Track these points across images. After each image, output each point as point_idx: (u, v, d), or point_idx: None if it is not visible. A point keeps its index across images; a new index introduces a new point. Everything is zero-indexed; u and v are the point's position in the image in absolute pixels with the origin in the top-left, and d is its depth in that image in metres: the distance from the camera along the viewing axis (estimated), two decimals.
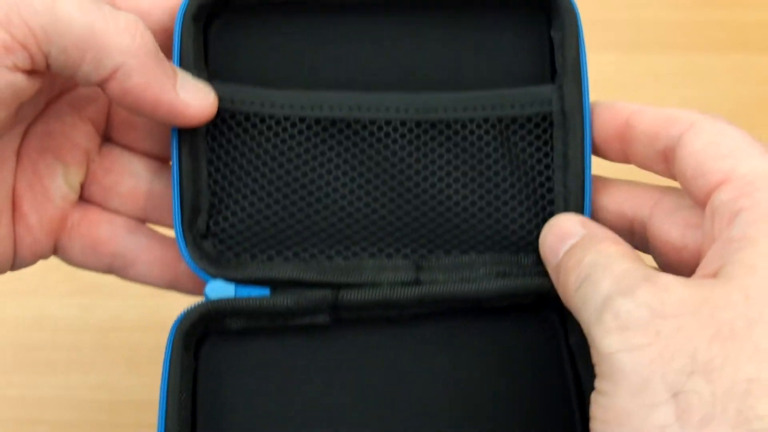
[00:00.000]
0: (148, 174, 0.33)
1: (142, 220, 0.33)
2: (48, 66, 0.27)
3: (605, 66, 0.57)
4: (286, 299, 0.29)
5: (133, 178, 0.33)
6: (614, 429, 0.23)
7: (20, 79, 0.27)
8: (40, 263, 0.51)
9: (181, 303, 0.51)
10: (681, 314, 0.23)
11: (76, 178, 0.32)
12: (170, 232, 0.32)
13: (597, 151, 0.32)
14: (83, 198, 0.33)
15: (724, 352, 0.22)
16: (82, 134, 0.32)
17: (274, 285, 0.30)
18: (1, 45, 0.26)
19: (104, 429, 0.48)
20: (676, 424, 0.22)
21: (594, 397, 0.24)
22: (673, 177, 0.29)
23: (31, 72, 0.27)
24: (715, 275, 0.25)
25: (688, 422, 0.22)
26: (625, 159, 0.31)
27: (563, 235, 0.29)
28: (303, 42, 0.31)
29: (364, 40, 0.31)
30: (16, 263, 0.32)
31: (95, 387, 0.49)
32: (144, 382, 0.49)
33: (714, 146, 0.27)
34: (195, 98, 0.29)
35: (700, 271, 0.26)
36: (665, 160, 0.29)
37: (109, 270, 0.33)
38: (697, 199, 0.28)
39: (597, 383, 0.24)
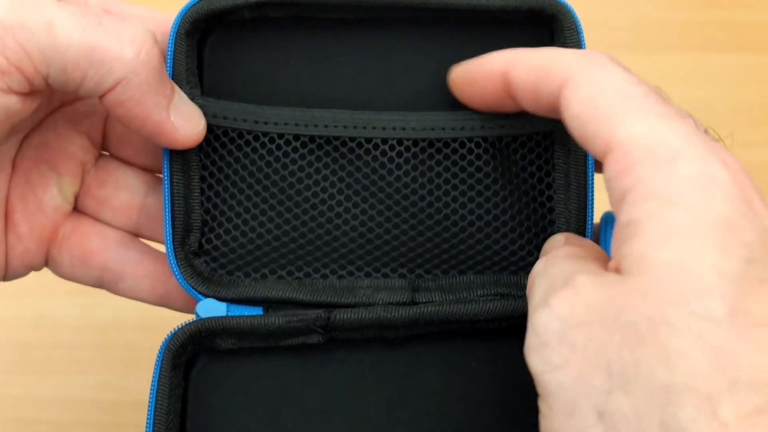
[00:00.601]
0: (144, 188, 0.33)
1: (136, 235, 0.33)
2: (48, 84, 0.27)
3: None
4: (278, 319, 0.29)
5: (128, 191, 0.33)
6: None
7: (14, 101, 0.27)
8: None
9: None
10: (590, 321, 0.22)
11: (70, 189, 0.32)
12: (164, 248, 0.32)
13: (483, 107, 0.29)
14: (77, 209, 0.33)
15: (635, 359, 0.21)
16: (77, 146, 0.32)
17: (267, 304, 0.30)
18: None
19: (104, 429, 0.48)
20: None
21: (539, 418, 0.23)
22: None
23: (28, 94, 0.27)
24: (618, 269, 0.23)
25: None
26: (519, 109, 0.28)
27: (544, 255, 0.28)
28: (298, 58, 0.30)
29: (361, 55, 0.30)
30: (8, 274, 0.31)
31: (95, 387, 0.49)
32: (144, 381, 0.49)
33: (591, 106, 0.24)
34: (185, 123, 0.29)
35: (611, 262, 0.25)
36: (555, 112, 0.26)
37: (98, 283, 0.33)
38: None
39: (538, 403, 0.23)
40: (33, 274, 0.51)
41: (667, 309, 0.21)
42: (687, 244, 0.22)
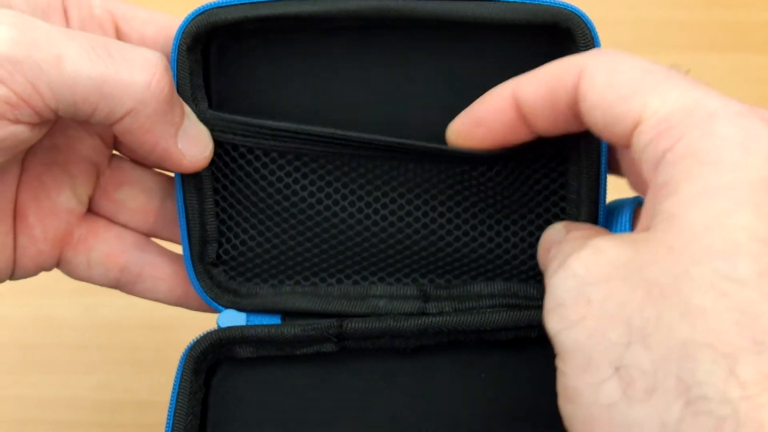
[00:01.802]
0: (161, 191, 0.33)
1: (152, 236, 0.33)
2: (57, 116, 0.27)
3: None
4: (294, 328, 0.30)
5: (145, 194, 0.33)
6: (570, 407, 0.23)
7: (22, 130, 0.26)
8: None
9: None
10: (610, 277, 0.22)
11: (84, 191, 0.32)
12: (180, 249, 0.32)
13: (493, 143, 0.28)
14: (92, 211, 0.33)
15: (657, 313, 0.21)
16: (88, 147, 0.32)
17: (283, 314, 0.31)
18: (3, 101, 0.25)
19: (106, 429, 0.48)
20: (623, 399, 0.21)
21: (556, 374, 0.24)
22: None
23: (37, 124, 0.27)
24: (647, 229, 0.23)
25: (633, 396, 0.21)
26: (533, 134, 0.28)
27: (547, 245, 0.28)
28: (302, 65, 0.30)
29: (366, 59, 0.30)
30: (16, 273, 0.31)
31: (98, 387, 0.49)
32: (147, 382, 0.49)
33: (613, 88, 0.24)
34: (192, 149, 0.29)
35: (638, 225, 0.25)
36: (575, 116, 0.26)
37: (115, 285, 0.33)
38: (620, 146, 0.26)
39: (556, 362, 0.24)
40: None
41: (692, 266, 0.21)
42: (720, 203, 0.22)
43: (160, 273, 0.33)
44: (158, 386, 0.49)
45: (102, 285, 0.33)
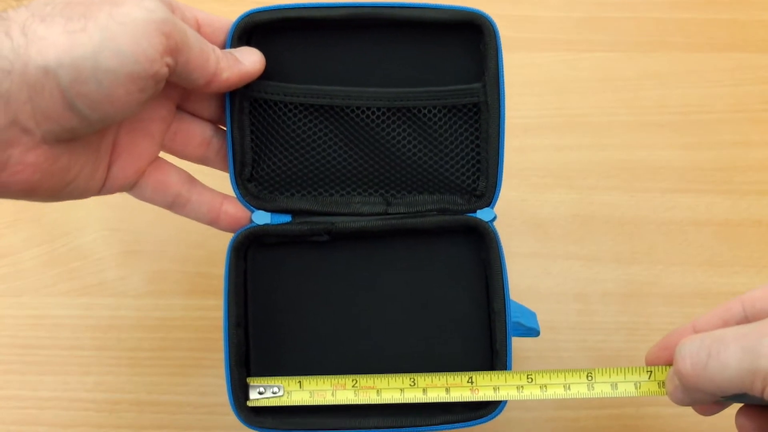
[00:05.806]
0: (210, 133, 0.44)
1: (204, 165, 0.45)
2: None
3: (606, 65, 0.57)
4: (300, 226, 0.44)
5: (201, 135, 0.44)
6: None
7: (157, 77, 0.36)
8: (40, 263, 0.51)
9: (178, 305, 0.51)
10: None
11: (159, 138, 0.43)
12: (215, 186, 0.44)
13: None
14: (163, 148, 0.43)
15: None
16: (164, 108, 0.42)
17: (294, 213, 0.44)
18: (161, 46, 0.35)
19: (103, 429, 0.48)
20: None
21: None
22: None
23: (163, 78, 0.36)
24: None
25: None
26: None
27: (687, 352, 0.35)
28: (312, 50, 0.43)
29: (354, 48, 0.43)
30: (102, 191, 0.41)
31: (94, 387, 0.49)
32: (143, 382, 0.49)
33: None
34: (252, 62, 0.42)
35: None
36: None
37: (169, 207, 0.43)
38: None
39: None
40: (32, 275, 0.51)
41: None
42: None
43: (202, 199, 0.44)
44: (154, 386, 0.49)
45: (159, 206, 0.43)
